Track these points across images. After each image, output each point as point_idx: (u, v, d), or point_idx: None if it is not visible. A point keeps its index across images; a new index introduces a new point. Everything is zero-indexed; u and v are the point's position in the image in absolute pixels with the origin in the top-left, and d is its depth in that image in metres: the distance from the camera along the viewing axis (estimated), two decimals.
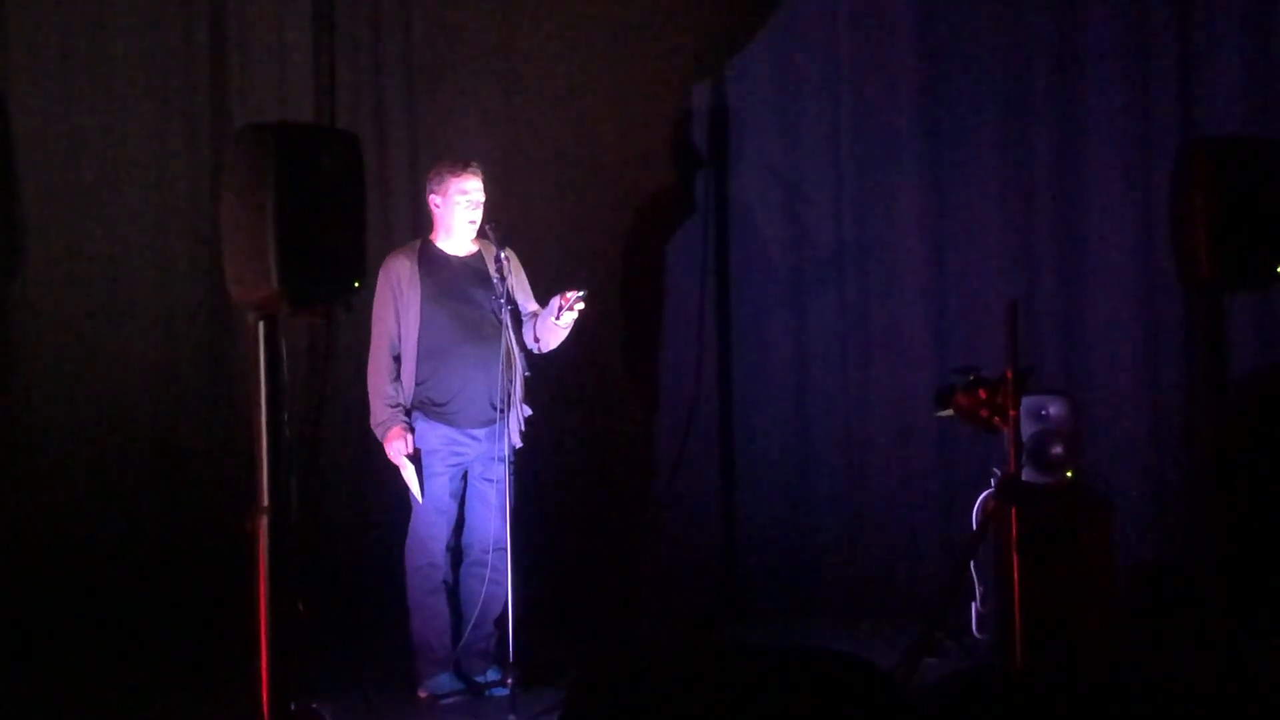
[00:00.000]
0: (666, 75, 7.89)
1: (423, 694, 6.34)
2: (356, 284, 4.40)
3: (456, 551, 6.39)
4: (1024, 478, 6.25)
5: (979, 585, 6.75)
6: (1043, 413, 6.61)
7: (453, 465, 6.31)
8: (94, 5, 7.51)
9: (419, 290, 6.28)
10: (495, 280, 6.17)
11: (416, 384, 6.29)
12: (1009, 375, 5.83)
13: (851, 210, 7.88)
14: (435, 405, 6.29)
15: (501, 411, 6.19)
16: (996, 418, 6.16)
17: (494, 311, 6.21)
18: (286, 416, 4.32)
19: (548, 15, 7.82)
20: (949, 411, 6.60)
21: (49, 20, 7.44)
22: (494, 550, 6.23)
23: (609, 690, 3.27)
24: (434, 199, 6.37)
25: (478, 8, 7.84)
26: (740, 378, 7.96)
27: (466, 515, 6.40)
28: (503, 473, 6.16)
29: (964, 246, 7.80)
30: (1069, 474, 6.59)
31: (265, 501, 4.25)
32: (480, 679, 6.35)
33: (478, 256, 6.40)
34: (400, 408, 6.27)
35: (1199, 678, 5.23)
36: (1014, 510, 5.99)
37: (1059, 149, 7.71)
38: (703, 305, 7.93)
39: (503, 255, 6.16)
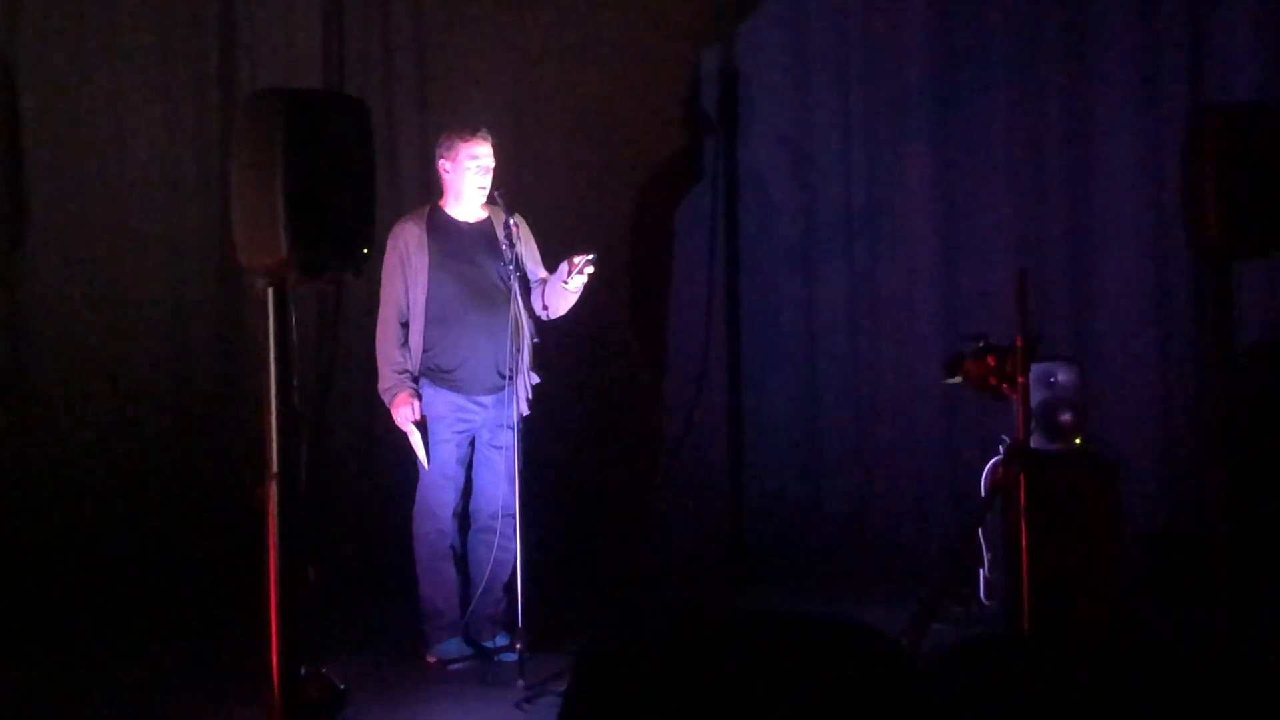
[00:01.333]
0: (676, 40, 7.85)
1: (431, 659, 6.36)
2: (365, 250, 4.40)
3: (464, 517, 6.40)
4: (1033, 445, 6.26)
5: (987, 552, 6.76)
6: (1051, 380, 6.60)
7: (460, 432, 6.31)
8: None
9: (427, 256, 6.26)
10: (504, 246, 6.14)
11: (424, 350, 6.27)
12: (1018, 342, 5.83)
13: (862, 176, 7.85)
14: (442, 371, 6.28)
15: (509, 379, 6.19)
16: (1005, 385, 6.16)
17: (502, 278, 6.19)
18: (295, 382, 4.32)
19: None
20: (958, 379, 6.62)
21: None
22: (502, 517, 6.23)
23: (617, 656, 3.29)
24: (443, 164, 6.35)
25: None
26: (749, 344, 7.95)
27: (474, 481, 6.40)
28: (511, 440, 6.15)
29: (974, 213, 7.77)
30: (1077, 441, 6.58)
31: (274, 468, 4.27)
32: (489, 644, 6.37)
33: (487, 222, 6.37)
34: (408, 374, 6.26)
35: (1206, 643, 5.23)
36: (1022, 477, 6.00)
37: (1070, 116, 7.67)
38: (712, 271, 7.91)
39: (512, 221, 6.13)
